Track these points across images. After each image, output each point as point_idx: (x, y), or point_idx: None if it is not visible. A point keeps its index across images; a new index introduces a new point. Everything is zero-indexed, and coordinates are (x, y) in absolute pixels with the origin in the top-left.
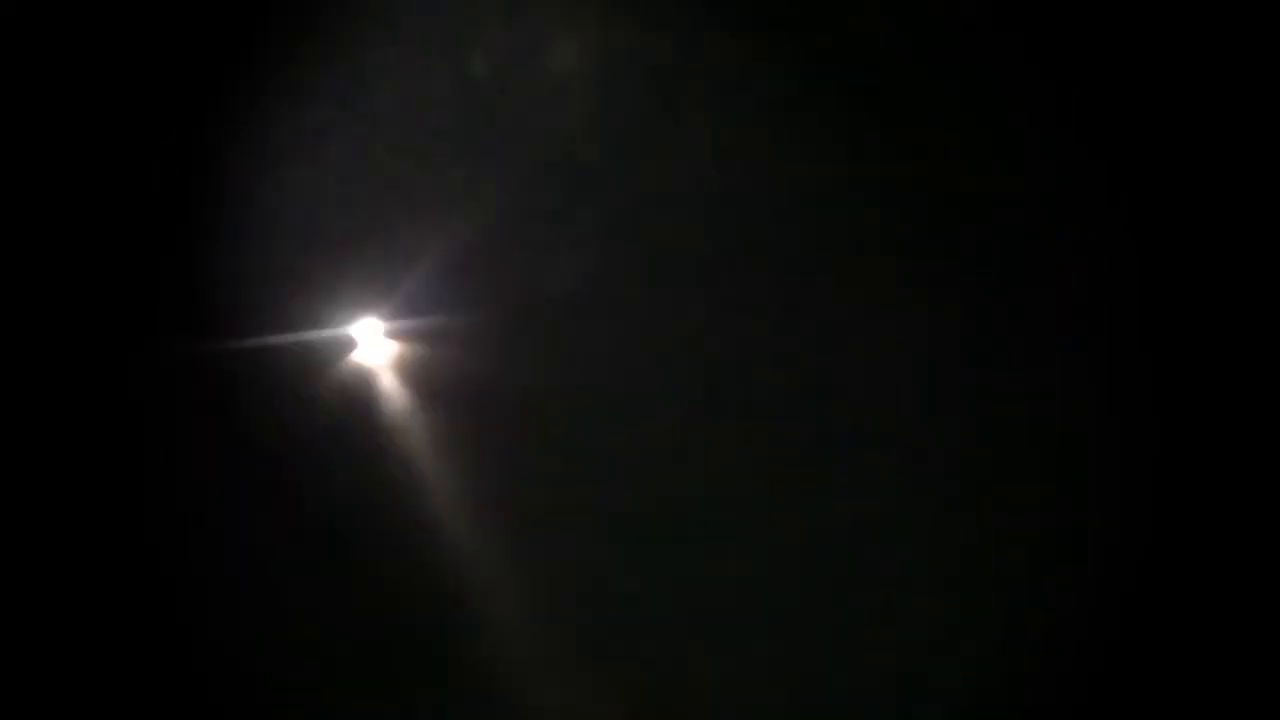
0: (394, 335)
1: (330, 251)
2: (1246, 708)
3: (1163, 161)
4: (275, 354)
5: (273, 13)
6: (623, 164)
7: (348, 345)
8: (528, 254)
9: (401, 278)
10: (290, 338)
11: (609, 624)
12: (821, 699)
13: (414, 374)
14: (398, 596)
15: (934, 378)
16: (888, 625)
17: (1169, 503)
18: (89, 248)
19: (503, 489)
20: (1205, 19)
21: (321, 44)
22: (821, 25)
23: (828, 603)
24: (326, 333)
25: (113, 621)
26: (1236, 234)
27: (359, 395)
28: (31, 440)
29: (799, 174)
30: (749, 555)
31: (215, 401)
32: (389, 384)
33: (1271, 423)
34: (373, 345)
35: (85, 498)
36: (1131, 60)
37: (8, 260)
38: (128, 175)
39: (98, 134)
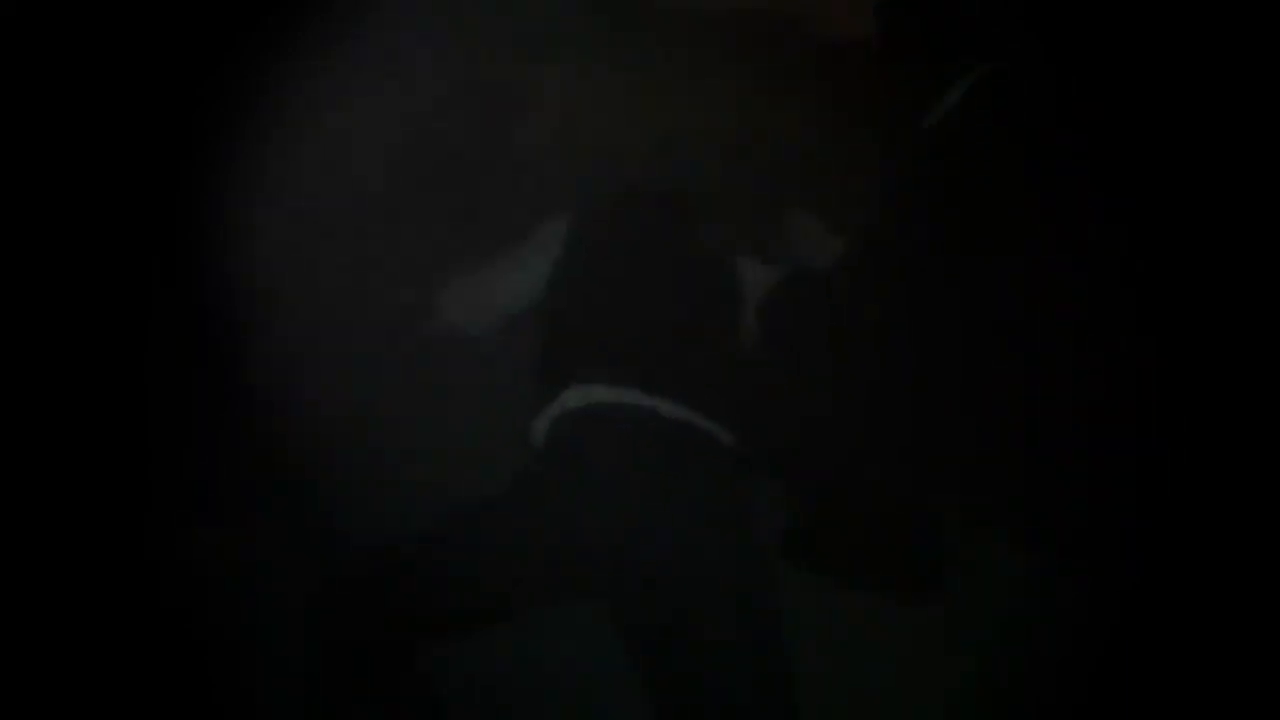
0: None
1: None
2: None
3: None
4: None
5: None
6: None
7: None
8: None
9: None
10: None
11: None
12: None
13: None
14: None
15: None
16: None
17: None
18: (88, 245)
19: None
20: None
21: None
22: None
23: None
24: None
25: (114, 620)
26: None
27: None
28: (31, 438)
29: None
30: None
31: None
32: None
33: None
34: None
35: (85, 496)
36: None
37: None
38: (129, 174)
39: (98, 133)
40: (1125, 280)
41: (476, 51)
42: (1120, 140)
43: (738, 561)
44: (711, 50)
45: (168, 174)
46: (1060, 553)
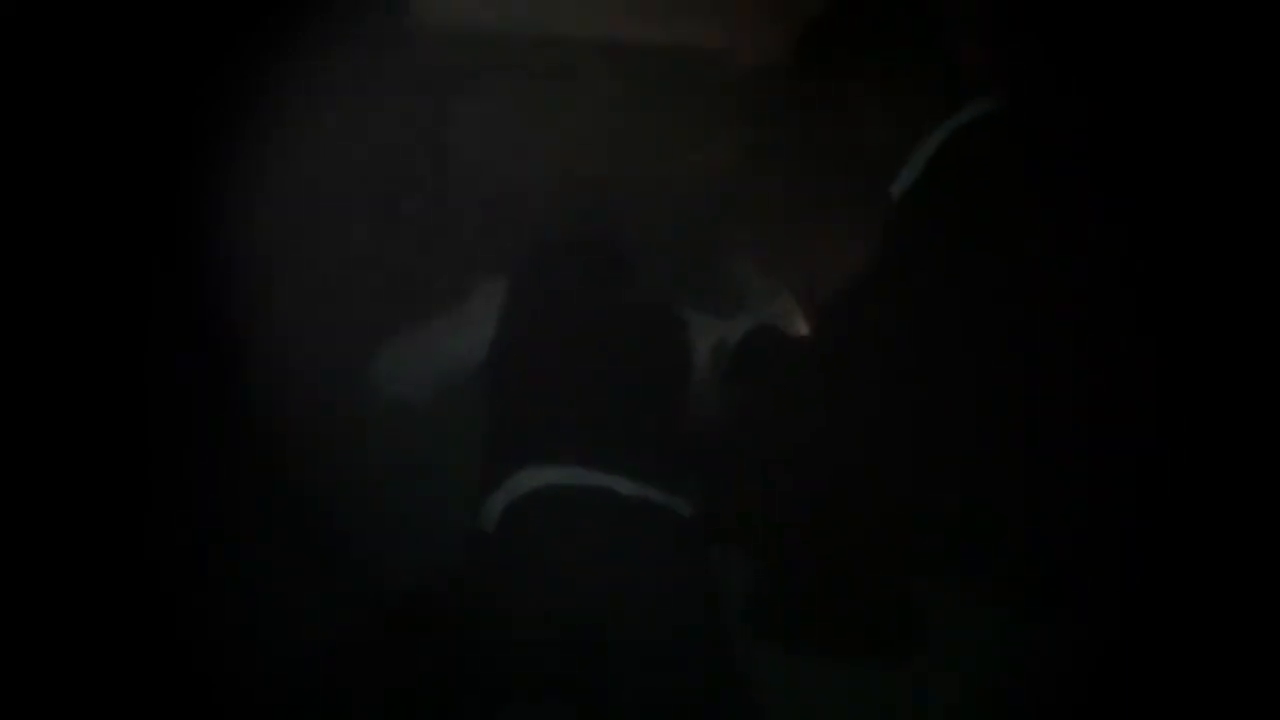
0: None
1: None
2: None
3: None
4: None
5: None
6: None
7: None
8: None
9: None
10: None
11: None
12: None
13: None
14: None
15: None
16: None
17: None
18: (89, 246)
19: None
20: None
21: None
22: None
23: None
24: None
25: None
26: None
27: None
28: (30, 438)
29: None
30: None
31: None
32: None
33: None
34: None
35: (85, 496)
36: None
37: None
38: (129, 173)
39: (98, 132)
40: (1125, 280)
41: (403, 99)
42: (1119, 141)
43: (705, 637)
44: (645, 91)
45: (168, 173)
46: (1059, 556)
